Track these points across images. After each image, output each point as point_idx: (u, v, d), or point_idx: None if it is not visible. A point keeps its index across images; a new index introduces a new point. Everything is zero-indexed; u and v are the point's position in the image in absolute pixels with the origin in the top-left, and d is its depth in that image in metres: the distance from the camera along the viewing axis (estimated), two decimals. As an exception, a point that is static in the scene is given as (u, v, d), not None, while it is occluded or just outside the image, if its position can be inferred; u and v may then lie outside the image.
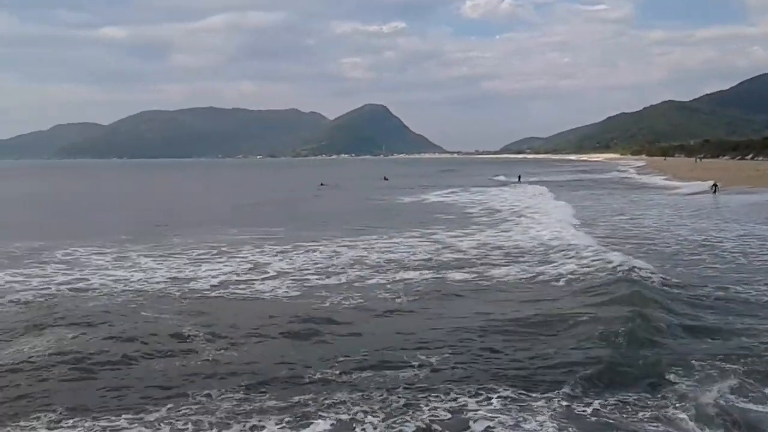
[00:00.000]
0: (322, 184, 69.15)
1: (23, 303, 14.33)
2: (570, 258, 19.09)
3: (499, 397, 8.62)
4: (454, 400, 8.59)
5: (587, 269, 17.28)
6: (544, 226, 27.49)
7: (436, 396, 8.71)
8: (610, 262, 17.46)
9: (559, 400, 8.43)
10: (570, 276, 16.71)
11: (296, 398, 8.71)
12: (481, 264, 19.00)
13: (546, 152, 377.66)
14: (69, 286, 16.13)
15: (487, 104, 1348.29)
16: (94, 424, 7.99)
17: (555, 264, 18.49)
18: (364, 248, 22.01)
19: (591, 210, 36.91)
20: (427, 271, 17.85)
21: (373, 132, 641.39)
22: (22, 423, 8.02)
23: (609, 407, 8.29)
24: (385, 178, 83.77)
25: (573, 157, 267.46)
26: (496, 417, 8.02)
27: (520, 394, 8.70)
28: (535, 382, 9.17)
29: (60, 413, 8.29)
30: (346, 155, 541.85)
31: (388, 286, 16.08)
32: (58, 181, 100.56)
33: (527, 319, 12.65)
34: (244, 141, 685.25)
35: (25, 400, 8.76)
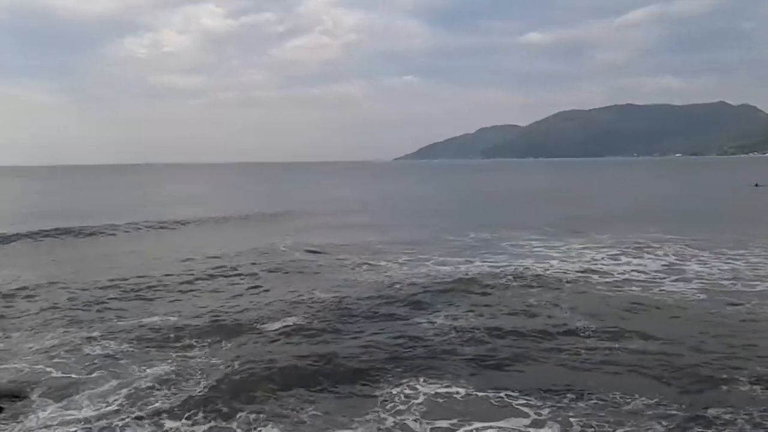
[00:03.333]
0: (756, 185, 60.75)
1: (447, 282, 16.42)
2: None
3: None
4: None
5: None
6: None
7: None
8: None
9: None
10: None
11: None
12: None
13: None
14: (486, 266, 17.85)
15: None
16: (486, 395, 8.66)
17: None
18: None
19: None
20: None
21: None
22: (409, 376, 9.35)
23: None
24: None
25: None
26: None
27: None
28: None
29: (453, 378, 9.29)
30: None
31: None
32: (490, 179, 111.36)
33: None
34: (663, 138, 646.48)
35: (425, 361, 10.01)
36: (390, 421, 8.00)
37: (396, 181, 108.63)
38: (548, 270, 17.91)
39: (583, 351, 10.52)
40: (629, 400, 8.46)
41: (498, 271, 17.87)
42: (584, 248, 22.01)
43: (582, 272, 17.50)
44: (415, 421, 8.02)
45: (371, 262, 19.81)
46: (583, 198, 54.56)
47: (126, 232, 29.30)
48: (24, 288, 15.98)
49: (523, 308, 13.47)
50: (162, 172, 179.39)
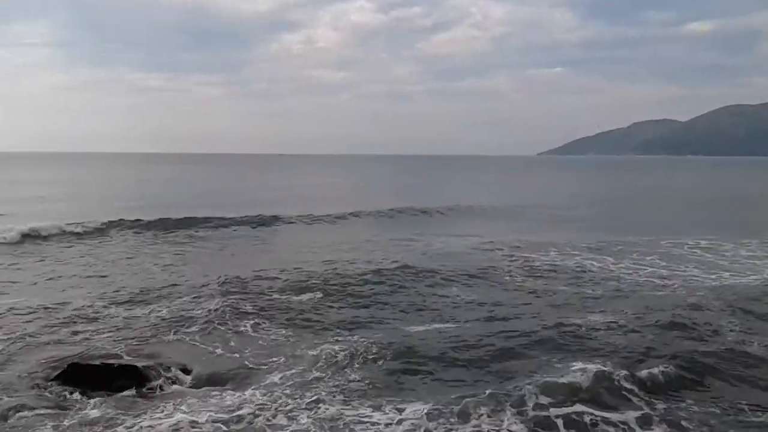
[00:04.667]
0: None
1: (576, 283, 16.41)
2: None
3: None
4: None
5: None
6: None
7: None
8: None
9: None
10: None
11: None
12: None
13: None
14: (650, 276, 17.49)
15: None
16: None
17: None
18: None
19: None
20: None
21: None
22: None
23: None
24: None
25: None
26: None
27: None
28: None
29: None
30: None
31: None
32: (650, 177, 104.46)
33: None
34: None
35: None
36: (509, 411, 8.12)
37: (544, 177, 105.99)
38: (709, 277, 17.14)
39: (723, 359, 9.98)
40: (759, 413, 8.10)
41: (649, 272, 17.52)
42: (752, 255, 20.61)
43: (749, 282, 16.39)
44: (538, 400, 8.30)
45: (524, 255, 20.11)
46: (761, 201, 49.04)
47: (292, 223, 30.57)
48: (191, 272, 17.60)
49: (665, 310, 12.81)
50: (314, 164, 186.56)
